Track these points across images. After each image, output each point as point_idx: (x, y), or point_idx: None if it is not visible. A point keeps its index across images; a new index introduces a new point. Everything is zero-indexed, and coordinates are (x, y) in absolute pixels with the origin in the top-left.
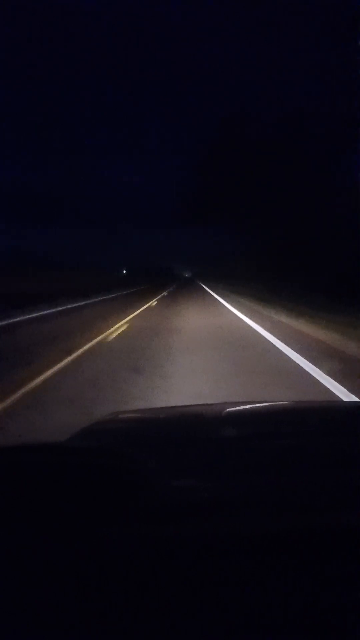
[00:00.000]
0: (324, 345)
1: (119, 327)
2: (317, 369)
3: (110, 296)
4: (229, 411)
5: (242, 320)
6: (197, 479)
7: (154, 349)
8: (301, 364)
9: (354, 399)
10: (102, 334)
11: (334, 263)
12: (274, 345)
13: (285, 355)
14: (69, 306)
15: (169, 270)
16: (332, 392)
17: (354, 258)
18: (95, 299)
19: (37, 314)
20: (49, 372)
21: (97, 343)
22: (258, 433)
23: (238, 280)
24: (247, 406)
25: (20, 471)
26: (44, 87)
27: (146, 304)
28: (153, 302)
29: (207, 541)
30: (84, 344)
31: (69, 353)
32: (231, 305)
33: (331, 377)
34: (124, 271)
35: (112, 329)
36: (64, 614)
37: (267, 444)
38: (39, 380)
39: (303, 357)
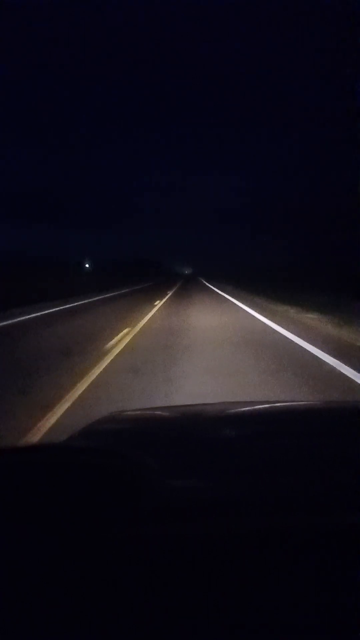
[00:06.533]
0: None
1: None
2: None
3: None
4: (229, 411)
5: None
6: (197, 479)
7: None
8: None
9: None
10: None
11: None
12: None
13: None
14: None
15: (159, 264)
16: None
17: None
18: None
19: None
20: None
21: None
22: (258, 433)
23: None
24: (247, 406)
25: (20, 471)
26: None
27: None
28: None
29: (207, 541)
30: None
31: None
32: None
33: None
34: (87, 266)
35: None
36: (65, 615)
37: (267, 444)
38: None
39: None
